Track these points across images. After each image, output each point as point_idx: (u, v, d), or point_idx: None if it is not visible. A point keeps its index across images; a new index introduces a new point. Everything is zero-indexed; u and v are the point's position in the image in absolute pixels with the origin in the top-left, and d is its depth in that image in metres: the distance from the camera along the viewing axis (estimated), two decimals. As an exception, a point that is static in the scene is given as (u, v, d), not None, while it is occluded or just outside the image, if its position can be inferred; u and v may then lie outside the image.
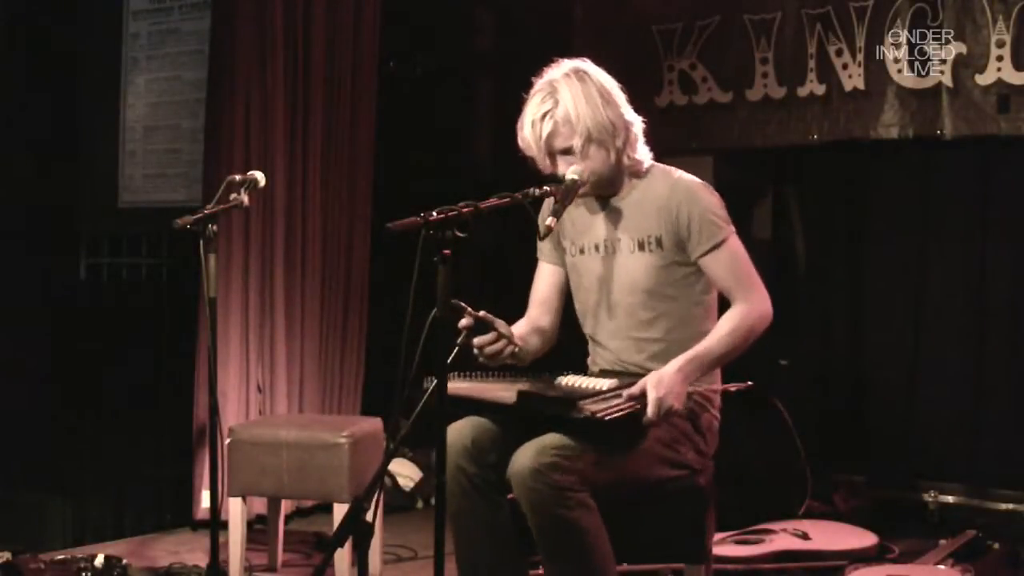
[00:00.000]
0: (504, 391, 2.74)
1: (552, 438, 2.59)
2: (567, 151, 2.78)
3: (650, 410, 2.58)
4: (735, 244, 2.81)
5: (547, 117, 2.76)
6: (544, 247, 3.02)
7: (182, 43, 5.30)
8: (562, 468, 2.54)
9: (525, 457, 2.57)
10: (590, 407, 2.55)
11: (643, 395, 2.60)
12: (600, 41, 5.08)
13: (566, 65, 2.82)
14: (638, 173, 2.87)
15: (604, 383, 2.69)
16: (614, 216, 2.88)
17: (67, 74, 5.49)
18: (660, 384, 2.60)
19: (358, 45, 4.98)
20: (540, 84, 2.81)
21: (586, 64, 2.84)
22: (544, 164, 2.83)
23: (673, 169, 2.89)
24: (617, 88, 2.84)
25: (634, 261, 2.84)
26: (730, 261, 2.79)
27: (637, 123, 2.86)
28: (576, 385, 2.73)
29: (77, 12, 5.50)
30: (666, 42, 5.05)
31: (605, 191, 2.87)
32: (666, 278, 2.82)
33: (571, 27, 5.30)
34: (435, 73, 5.74)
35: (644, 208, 2.84)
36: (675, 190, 2.81)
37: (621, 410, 2.57)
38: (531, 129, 2.79)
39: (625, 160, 2.83)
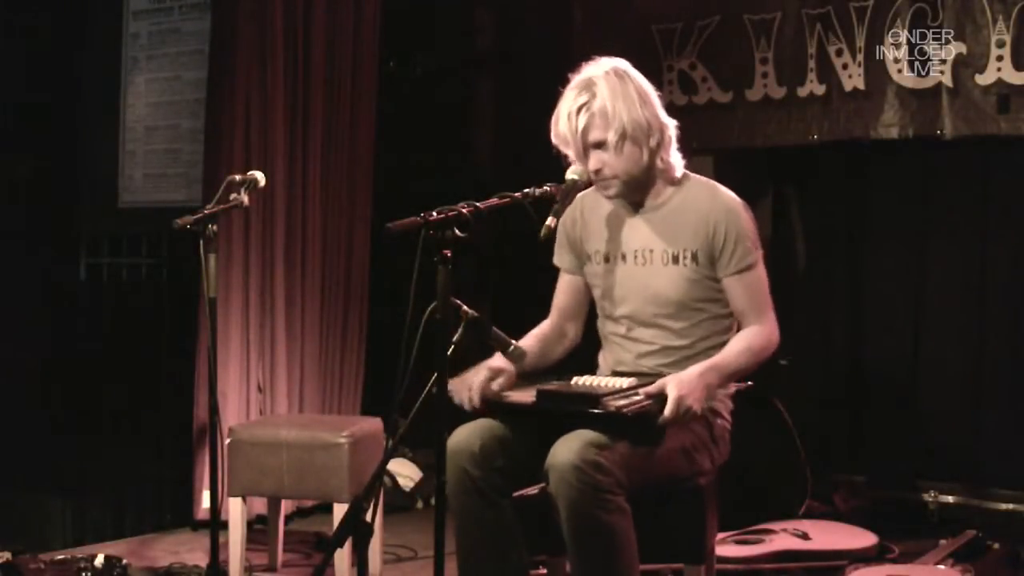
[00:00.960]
0: (518, 391, 2.72)
1: (592, 434, 2.55)
2: (600, 144, 2.76)
3: (668, 408, 2.56)
4: (761, 270, 2.82)
5: (583, 110, 2.75)
6: (563, 258, 3.01)
7: (182, 43, 5.30)
8: (604, 468, 2.51)
9: (567, 451, 2.53)
10: (613, 403, 2.53)
11: (661, 395, 2.58)
12: (600, 41, 5.07)
13: (605, 63, 2.81)
14: (671, 179, 2.86)
15: (623, 381, 2.68)
16: (649, 225, 2.86)
17: (67, 74, 5.49)
18: (681, 384, 2.59)
19: (358, 45, 4.98)
20: (577, 80, 2.79)
21: (624, 64, 2.83)
22: (578, 159, 2.81)
23: (713, 182, 2.88)
24: (654, 91, 2.83)
25: (667, 273, 2.83)
26: (754, 286, 2.80)
27: (672, 127, 2.85)
28: (594, 384, 2.71)
29: (77, 12, 5.49)
30: (666, 42, 5.05)
31: (635, 195, 2.85)
32: (697, 292, 2.81)
33: (571, 27, 5.29)
34: (435, 73, 5.74)
35: (681, 221, 2.82)
36: (715, 206, 2.81)
37: (642, 407, 2.55)
38: (567, 122, 2.77)
39: (658, 163, 2.81)
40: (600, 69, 2.79)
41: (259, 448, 3.92)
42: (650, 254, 2.85)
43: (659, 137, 2.79)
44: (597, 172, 2.79)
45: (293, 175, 4.74)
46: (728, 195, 2.85)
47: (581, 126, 2.75)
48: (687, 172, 2.89)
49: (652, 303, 2.84)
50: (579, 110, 2.76)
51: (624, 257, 2.88)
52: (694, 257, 2.80)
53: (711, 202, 2.82)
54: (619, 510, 2.55)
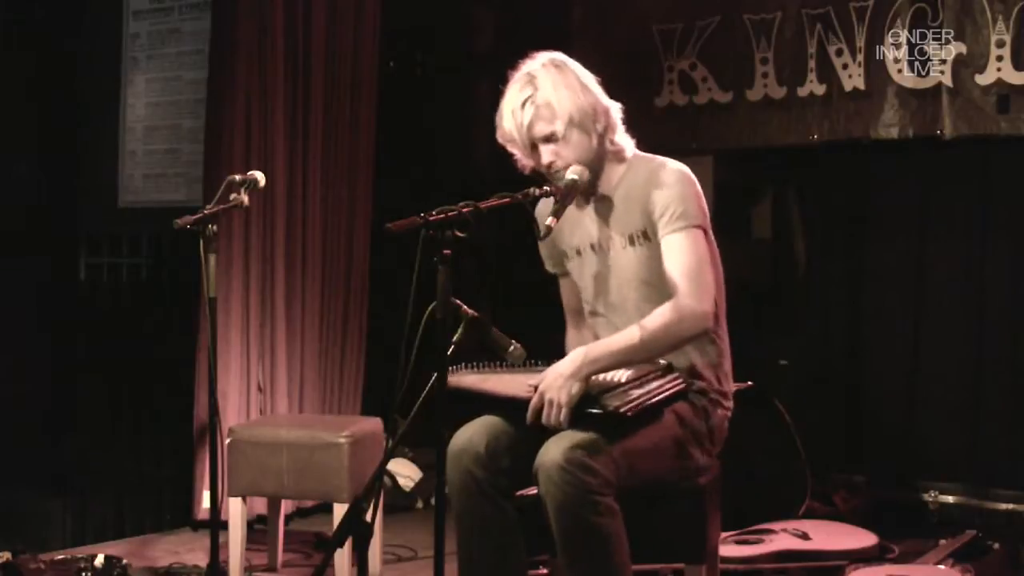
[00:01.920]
0: (519, 386, 2.69)
1: (580, 435, 2.53)
2: (549, 138, 2.76)
3: (532, 404, 2.56)
4: (699, 238, 2.71)
5: (527, 103, 2.74)
6: (548, 263, 3.01)
7: (182, 43, 5.29)
8: (592, 469, 2.50)
9: (555, 453, 2.51)
10: (611, 402, 2.53)
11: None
12: (600, 41, 5.08)
13: (542, 56, 2.81)
14: (621, 160, 2.83)
15: (622, 375, 2.64)
16: (603, 212, 2.85)
17: (67, 74, 5.49)
18: (550, 378, 2.57)
19: (358, 45, 4.98)
20: (517, 76, 2.79)
21: (560, 55, 2.83)
22: (526, 156, 2.81)
23: (660, 158, 2.83)
24: (592, 78, 2.82)
25: (628, 256, 2.82)
26: (685, 250, 2.68)
27: (615, 108, 2.83)
28: (593, 378, 2.70)
29: (77, 12, 5.49)
30: (666, 42, 5.05)
31: (589, 183, 2.82)
32: (661, 269, 2.75)
33: (571, 27, 5.30)
34: (435, 73, 5.74)
35: (630, 202, 2.80)
36: (653, 178, 2.77)
37: (642, 405, 2.54)
38: (511, 118, 2.77)
39: (608, 145, 2.80)
40: (537, 63, 2.79)
41: (259, 448, 3.92)
42: (609, 241, 2.84)
43: (604, 120, 2.78)
44: (550, 166, 2.78)
45: (293, 175, 4.74)
46: (671, 166, 2.79)
47: (527, 121, 2.75)
48: (637, 152, 2.86)
49: (625, 288, 2.83)
50: (523, 104, 2.75)
51: (593, 248, 2.88)
52: (645, 235, 2.78)
53: (651, 175, 2.77)
54: (608, 511, 2.53)
